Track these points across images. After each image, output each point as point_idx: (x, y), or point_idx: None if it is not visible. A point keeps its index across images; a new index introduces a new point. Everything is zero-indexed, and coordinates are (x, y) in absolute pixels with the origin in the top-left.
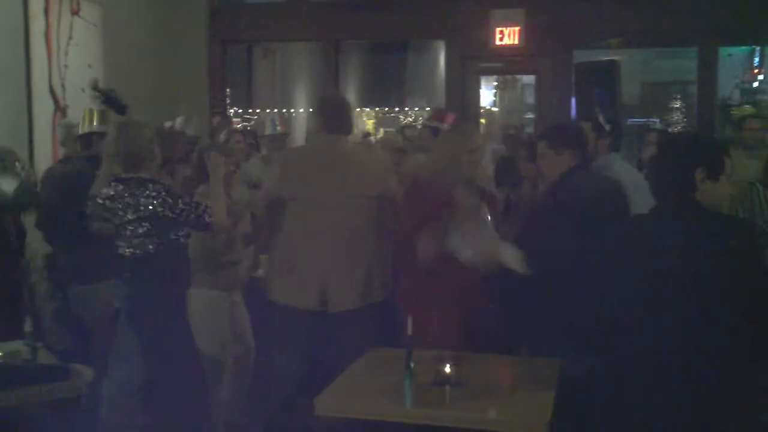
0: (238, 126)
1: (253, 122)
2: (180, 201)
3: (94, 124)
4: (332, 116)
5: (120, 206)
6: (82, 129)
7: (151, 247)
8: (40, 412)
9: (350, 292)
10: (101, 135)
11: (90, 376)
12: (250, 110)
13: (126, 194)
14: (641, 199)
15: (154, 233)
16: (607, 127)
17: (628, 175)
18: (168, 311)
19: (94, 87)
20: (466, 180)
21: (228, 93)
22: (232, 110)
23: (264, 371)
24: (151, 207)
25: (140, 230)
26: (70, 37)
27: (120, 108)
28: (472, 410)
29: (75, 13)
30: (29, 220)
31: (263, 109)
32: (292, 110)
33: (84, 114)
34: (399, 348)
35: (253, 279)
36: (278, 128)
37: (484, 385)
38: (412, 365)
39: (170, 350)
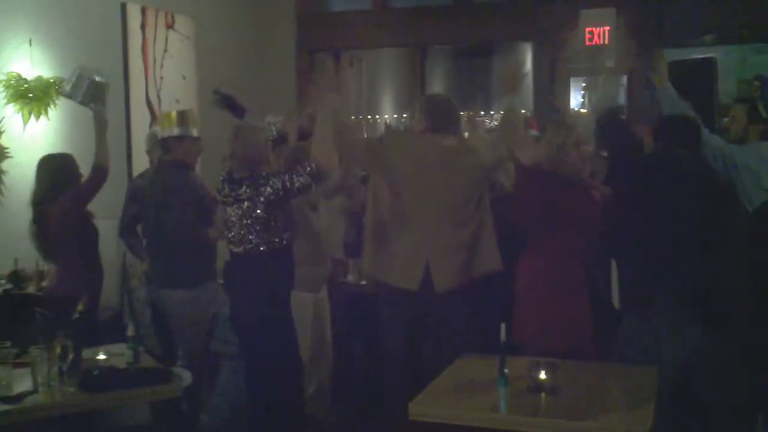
0: None
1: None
2: (286, 175)
3: (174, 127)
4: (435, 115)
5: (231, 206)
6: (162, 133)
7: (263, 248)
8: (140, 414)
9: (451, 271)
10: (179, 139)
11: (188, 380)
12: None
13: (237, 194)
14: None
15: (261, 233)
16: (765, 114)
17: None
18: (274, 313)
19: (216, 91)
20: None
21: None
22: None
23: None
24: (262, 205)
25: (248, 230)
26: (165, 50)
27: (239, 112)
28: (568, 418)
29: (170, 26)
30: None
31: (349, 117)
32: (377, 117)
33: (163, 118)
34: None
35: None
36: (362, 132)
37: (580, 392)
38: (506, 371)
39: (273, 353)
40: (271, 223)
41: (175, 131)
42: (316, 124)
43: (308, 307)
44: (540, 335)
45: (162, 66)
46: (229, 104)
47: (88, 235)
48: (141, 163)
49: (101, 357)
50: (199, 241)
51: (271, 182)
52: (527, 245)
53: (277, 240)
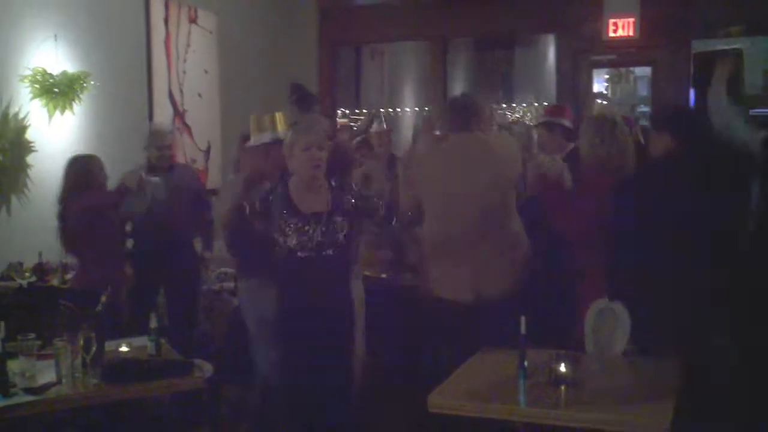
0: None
1: (358, 121)
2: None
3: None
4: (461, 115)
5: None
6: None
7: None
8: (163, 405)
9: (501, 282)
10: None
11: (210, 371)
12: (357, 111)
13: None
14: None
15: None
16: None
17: None
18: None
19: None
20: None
21: (338, 94)
22: (339, 111)
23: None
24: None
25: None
26: (188, 45)
27: (311, 105)
28: (588, 410)
29: (192, 21)
30: None
31: (370, 110)
32: (398, 109)
33: (265, 120)
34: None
35: None
36: (384, 125)
37: (601, 386)
38: (526, 364)
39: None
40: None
41: (266, 137)
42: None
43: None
44: None
45: (185, 60)
46: (304, 97)
47: (110, 231)
48: None
49: (124, 349)
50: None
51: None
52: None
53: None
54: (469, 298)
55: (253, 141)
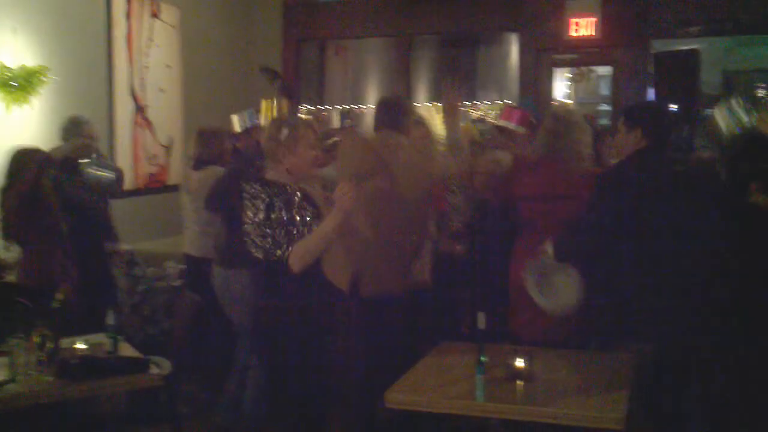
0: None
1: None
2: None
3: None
4: (386, 115)
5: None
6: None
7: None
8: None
9: (390, 277)
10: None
11: (168, 368)
12: (321, 107)
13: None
14: None
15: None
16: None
17: None
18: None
19: (266, 69)
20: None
21: (301, 90)
22: (303, 107)
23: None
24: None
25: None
26: (150, 39)
27: (291, 96)
28: (544, 405)
29: (155, 15)
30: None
31: (334, 106)
32: (363, 106)
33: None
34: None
35: None
36: (347, 121)
37: (556, 380)
38: (483, 359)
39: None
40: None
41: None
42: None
43: None
44: (532, 325)
45: (147, 55)
46: (285, 86)
47: (53, 224)
48: (124, 149)
49: (80, 346)
50: None
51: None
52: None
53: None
54: (373, 294)
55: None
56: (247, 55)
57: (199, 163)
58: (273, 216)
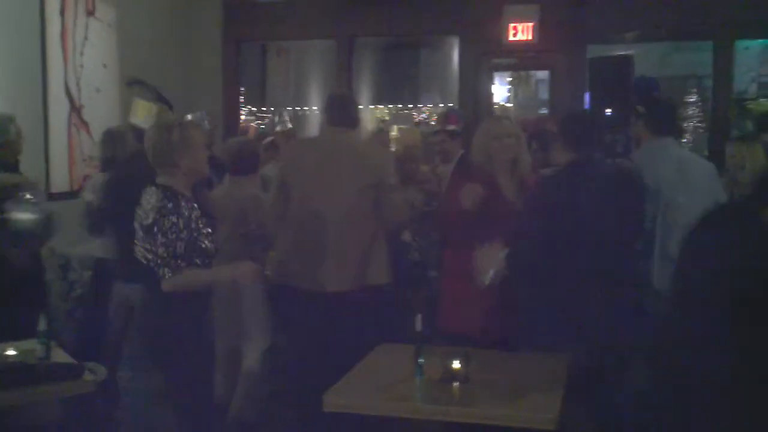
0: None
1: (265, 120)
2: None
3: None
4: (335, 110)
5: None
6: (143, 123)
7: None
8: (53, 410)
9: (347, 274)
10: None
11: (103, 375)
12: (263, 108)
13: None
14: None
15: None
16: (641, 109)
17: (673, 166)
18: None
19: (135, 81)
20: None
21: (242, 91)
22: (245, 108)
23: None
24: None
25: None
26: (86, 38)
27: (170, 104)
28: (480, 406)
29: (90, 13)
30: None
31: (277, 108)
32: (306, 108)
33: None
34: (409, 341)
35: None
36: (288, 125)
37: (493, 381)
38: (421, 361)
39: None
40: None
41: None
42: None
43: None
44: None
45: (82, 54)
46: (157, 94)
47: None
48: (59, 150)
49: (10, 353)
50: None
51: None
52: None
53: None
54: (321, 290)
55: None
56: (186, 56)
57: (106, 164)
58: (165, 222)
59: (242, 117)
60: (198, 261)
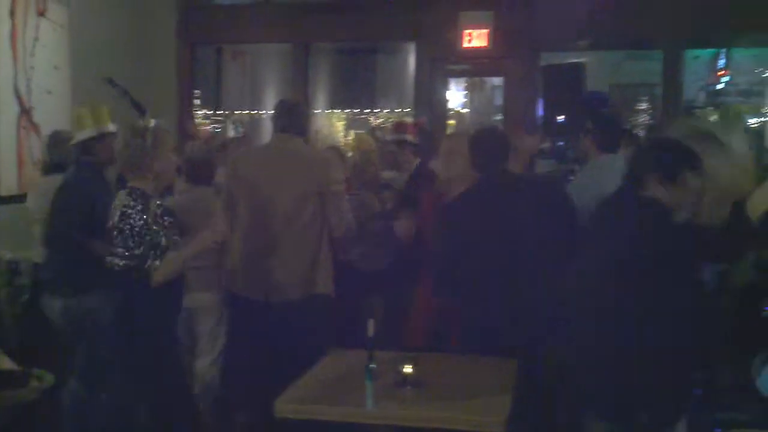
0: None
1: (220, 127)
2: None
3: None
4: (284, 117)
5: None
6: (83, 134)
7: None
8: None
9: (292, 284)
10: (101, 137)
11: (50, 382)
12: (219, 112)
13: (138, 204)
14: None
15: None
16: (588, 125)
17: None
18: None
19: (112, 81)
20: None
21: (197, 94)
22: (201, 112)
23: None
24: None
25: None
26: (36, 39)
27: (142, 110)
28: (431, 409)
29: (41, 14)
30: None
31: (232, 111)
32: (262, 112)
33: (82, 115)
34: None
35: None
36: (241, 130)
37: (443, 385)
38: (372, 366)
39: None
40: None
41: (91, 132)
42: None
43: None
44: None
45: (33, 55)
46: (133, 101)
47: None
48: (8, 152)
49: None
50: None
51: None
52: None
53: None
54: (261, 297)
55: (79, 136)
56: (139, 57)
57: (49, 168)
58: (132, 224)
59: (197, 120)
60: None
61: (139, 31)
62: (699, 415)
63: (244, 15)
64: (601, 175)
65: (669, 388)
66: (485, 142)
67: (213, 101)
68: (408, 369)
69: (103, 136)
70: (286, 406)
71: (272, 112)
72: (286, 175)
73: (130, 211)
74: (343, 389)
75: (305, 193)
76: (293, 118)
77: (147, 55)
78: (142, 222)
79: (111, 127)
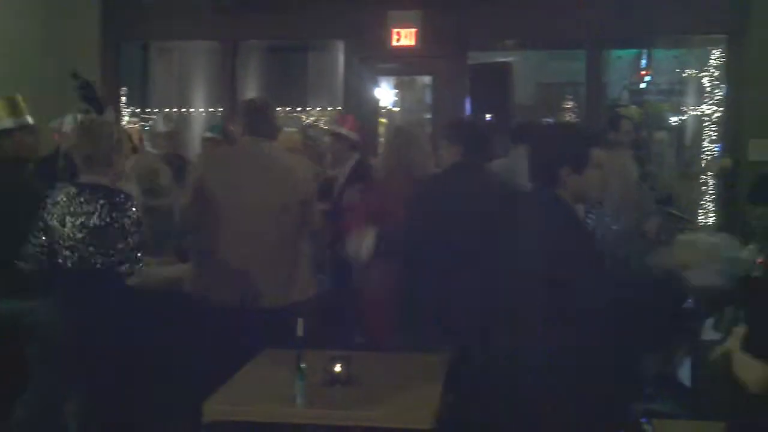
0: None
1: (149, 122)
2: (137, 234)
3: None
4: (253, 119)
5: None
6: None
7: (96, 261)
8: None
9: (270, 291)
10: (11, 131)
11: None
12: (148, 109)
13: (81, 200)
14: None
15: (108, 246)
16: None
17: None
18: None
19: (77, 75)
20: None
21: (125, 92)
22: (129, 109)
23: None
24: (108, 219)
25: (92, 242)
26: None
27: (100, 107)
28: (361, 408)
29: None
30: None
31: (161, 109)
32: (191, 109)
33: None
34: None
35: None
36: (171, 124)
37: (373, 383)
38: (303, 366)
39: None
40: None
41: (8, 122)
42: None
43: None
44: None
45: None
46: (91, 95)
47: None
48: None
49: None
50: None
51: (126, 204)
52: None
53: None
54: (235, 304)
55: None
56: (62, 54)
57: None
58: (99, 222)
59: (125, 119)
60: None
61: (60, 28)
62: (625, 406)
63: (171, 11)
64: None
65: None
66: (468, 129)
67: (140, 99)
68: (338, 368)
69: (18, 129)
70: (215, 407)
71: (239, 112)
72: (266, 184)
73: (88, 207)
74: (273, 390)
75: (286, 203)
76: (264, 119)
77: (70, 50)
78: (108, 219)
79: (27, 120)
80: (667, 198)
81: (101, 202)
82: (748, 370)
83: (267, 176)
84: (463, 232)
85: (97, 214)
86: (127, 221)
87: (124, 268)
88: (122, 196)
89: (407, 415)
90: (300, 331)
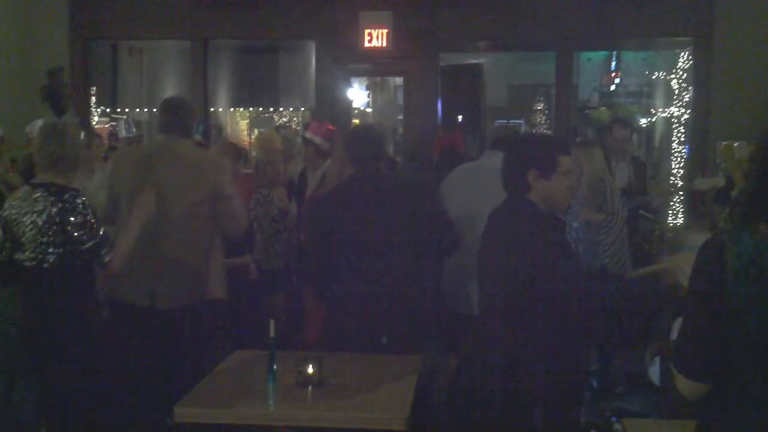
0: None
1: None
2: (101, 228)
3: None
4: (168, 117)
5: (27, 212)
6: None
7: (52, 258)
8: None
9: (179, 290)
10: None
11: None
12: (118, 110)
13: (34, 198)
14: None
15: (59, 243)
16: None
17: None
18: (69, 328)
19: (53, 73)
20: None
21: (93, 92)
22: (98, 109)
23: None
24: (69, 219)
25: (44, 239)
26: None
27: (60, 109)
28: (333, 409)
29: None
30: None
31: (132, 109)
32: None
33: None
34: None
35: None
36: (133, 130)
37: (346, 384)
38: (275, 367)
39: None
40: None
41: None
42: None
43: None
44: None
45: None
46: (53, 96)
47: None
48: None
49: None
50: None
51: (80, 204)
52: None
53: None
54: (146, 303)
55: None
56: (30, 54)
57: None
58: (49, 219)
59: (95, 119)
60: None
61: (27, 27)
62: (595, 405)
63: (139, 9)
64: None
65: (564, 382)
66: (360, 140)
67: (110, 100)
68: (310, 369)
69: None
70: (186, 410)
71: (158, 110)
72: (176, 181)
73: (38, 206)
74: (244, 391)
75: (195, 199)
76: (178, 117)
77: (37, 50)
78: (58, 218)
79: None
80: (646, 203)
81: (51, 199)
82: (678, 381)
83: (179, 174)
84: (368, 241)
85: (46, 212)
86: (76, 218)
87: (79, 263)
88: (70, 193)
89: (379, 417)
90: (272, 332)
